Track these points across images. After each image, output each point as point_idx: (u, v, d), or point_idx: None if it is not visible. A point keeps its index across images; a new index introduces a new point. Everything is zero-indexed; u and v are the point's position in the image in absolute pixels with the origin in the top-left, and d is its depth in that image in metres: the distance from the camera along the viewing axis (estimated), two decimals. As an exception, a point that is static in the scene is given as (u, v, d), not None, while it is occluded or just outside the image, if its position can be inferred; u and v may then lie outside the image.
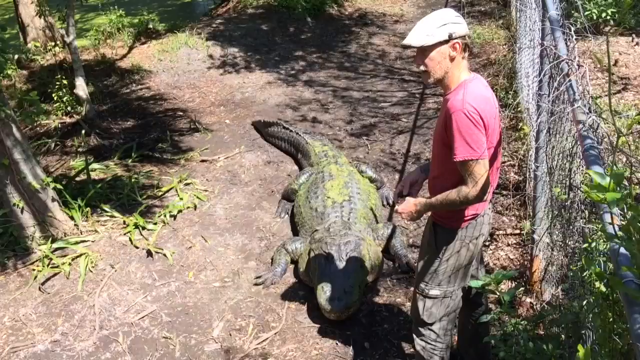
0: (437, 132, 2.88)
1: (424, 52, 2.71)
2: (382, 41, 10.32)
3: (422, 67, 2.76)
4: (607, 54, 1.51)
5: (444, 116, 2.72)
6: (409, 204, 2.99)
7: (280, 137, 6.76)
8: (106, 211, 5.54)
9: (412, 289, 4.23)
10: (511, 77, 7.38)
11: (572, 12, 5.81)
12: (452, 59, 2.70)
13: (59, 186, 5.24)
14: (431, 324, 3.13)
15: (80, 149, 7.04)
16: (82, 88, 7.39)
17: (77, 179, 6.07)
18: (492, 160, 2.82)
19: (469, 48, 2.77)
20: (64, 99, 7.67)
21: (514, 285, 4.14)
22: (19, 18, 10.05)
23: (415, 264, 3.23)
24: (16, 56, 9.53)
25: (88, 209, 5.44)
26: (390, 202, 5.57)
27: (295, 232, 5.14)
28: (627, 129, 1.80)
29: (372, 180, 5.57)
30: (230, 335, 4.14)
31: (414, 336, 3.25)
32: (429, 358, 3.20)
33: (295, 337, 4.08)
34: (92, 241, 5.18)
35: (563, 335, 2.81)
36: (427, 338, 3.17)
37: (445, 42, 2.67)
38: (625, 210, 1.73)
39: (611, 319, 2.02)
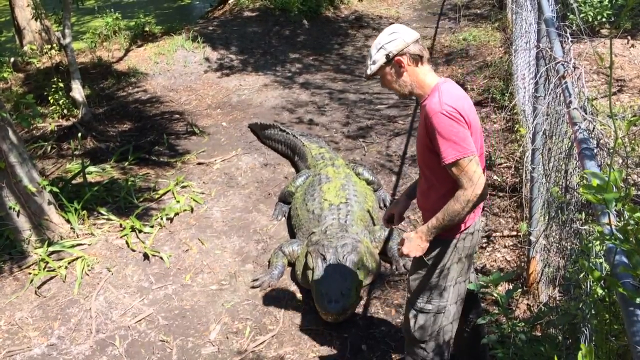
0: (420, 141, 2.79)
1: (378, 76, 2.77)
2: (378, 43, 10.32)
3: (386, 88, 2.81)
4: (610, 56, 1.52)
5: (424, 122, 2.65)
6: (414, 240, 2.79)
7: (277, 140, 6.76)
8: (102, 214, 5.53)
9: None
10: (507, 79, 7.40)
11: (568, 14, 5.83)
12: (403, 74, 2.70)
13: (55, 189, 5.23)
14: (423, 342, 3.00)
15: (76, 152, 7.02)
16: (78, 91, 7.38)
17: (74, 182, 6.06)
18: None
19: (421, 56, 2.70)
20: (60, 101, 7.66)
21: (511, 286, 4.14)
22: (15, 21, 10.03)
23: (408, 277, 3.10)
24: (12, 59, 9.52)
25: (84, 212, 5.43)
26: (387, 204, 5.58)
27: (292, 234, 5.14)
28: (625, 131, 1.81)
29: (369, 183, 5.57)
30: (228, 338, 4.13)
31: (406, 354, 3.14)
32: None
33: (293, 339, 4.07)
34: (89, 244, 5.16)
35: (560, 337, 2.82)
36: (418, 357, 3.05)
37: (387, 64, 2.70)
38: (622, 211, 1.74)
39: (608, 320, 2.02)
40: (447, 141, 2.54)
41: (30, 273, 4.83)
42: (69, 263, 4.91)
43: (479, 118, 2.80)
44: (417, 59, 2.69)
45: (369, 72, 2.75)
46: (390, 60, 2.68)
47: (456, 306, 2.99)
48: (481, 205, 2.84)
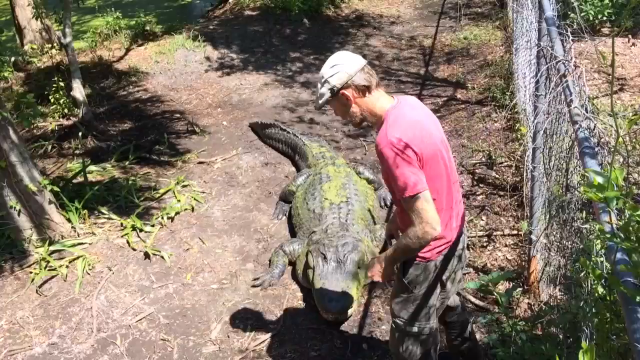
0: (382, 170, 2.75)
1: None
2: (379, 42, 10.33)
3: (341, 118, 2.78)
4: (612, 54, 1.52)
5: (377, 153, 2.61)
6: (376, 265, 2.90)
7: (278, 139, 6.75)
8: (103, 213, 5.54)
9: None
10: (508, 78, 7.40)
11: (569, 13, 5.82)
12: (352, 105, 2.65)
13: (55, 188, 5.23)
14: None
15: (77, 151, 7.03)
16: (79, 90, 7.38)
17: (74, 181, 6.06)
18: (442, 183, 2.65)
19: (367, 85, 2.62)
20: (61, 101, 7.66)
21: (511, 285, 4.14)
22: (15, 20, 10.03)
23: (390, 301, 3.06)
24: (13, 58, 9.51)
25: (85, 211, 5.43)
26: (388, 203, 5.57)
27: (293, 233, 5.14)
28: (627, 129, 1.80)
29: (369, 182, 5.56)
30: (228, 337, 4.13)
31: None
32: None
33: (293, 338, 4.07)
34: (90, 243, 5.16)
35: (561, 336, 2.82)
36: None
37: (333, 97, 2.65)
38: (623, 210, 1.73)
39: (609, 319, 2.02)
40: (396, 177, 2.49)
41: (31, 272, 4.84)
42: (70, 262, 4.91)
43: (442, 139, 2.69)
44: (363, 89, 2.62)
45: (319, 105, 2.72)
46: (335, 94, 2.64)
47: (437, 321, 2.99)
48: (456, 225, 2.77)
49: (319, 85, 2.68)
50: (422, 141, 2.52)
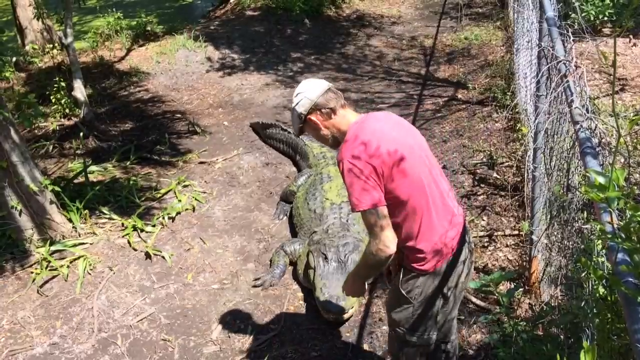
0: None
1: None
2: (379, 42, 10.33)
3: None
4: (614, 54, 1.52)
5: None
6: (347, 282, 2.97)
7: (279, 139, 6.76)
8: (104, 213, 5.54)
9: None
10: (509, 78, 7.39)
11: (570, 13, 5.82)
12: (321, 128, 2.72)
13: (57, 188, 5.24)
14: None
15: (78, 152, 7.03)
16: (80, 90, 7.39)
17: (75, 181, 6.06)
18: (416, 193, 2.60)
19: (332, 108, 2.68)
20: (62, 101, 7.67)
21: (512, 286, 4.14)
22: (17, 21, 10.05)
23: (387, 312, 3.04)
24: (14, 59, 9.52)
25: (86, 211, 5.44)
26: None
27: (294, 233, 5.14)
28: (628, 129, 1.80)
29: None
30: (229, 337, 4.13)
31: None
32: None
33: (294, 338, 4.07)
34: (91, 243, 5.17)
35: (562, 336, 2.81)
36: None
37: (303, 123, 2.74)
38: (624, 210, 1.73)
39: (610, 319, 2.02)
40: (350, 190, 2.53)
41: (32, 272, 4.84)
42: (71, 262, 4.92)
43: (419, 146, 2.69)
44: (328, 112, 2.69)
45: (295, 132, 2.83)
46: (304, 120, 2.72)
47: (436, 329, 2.97)
48: (454, 235, 2.72)
49: (291, 113, 2.78)
50: (381, 153, 2.51)
